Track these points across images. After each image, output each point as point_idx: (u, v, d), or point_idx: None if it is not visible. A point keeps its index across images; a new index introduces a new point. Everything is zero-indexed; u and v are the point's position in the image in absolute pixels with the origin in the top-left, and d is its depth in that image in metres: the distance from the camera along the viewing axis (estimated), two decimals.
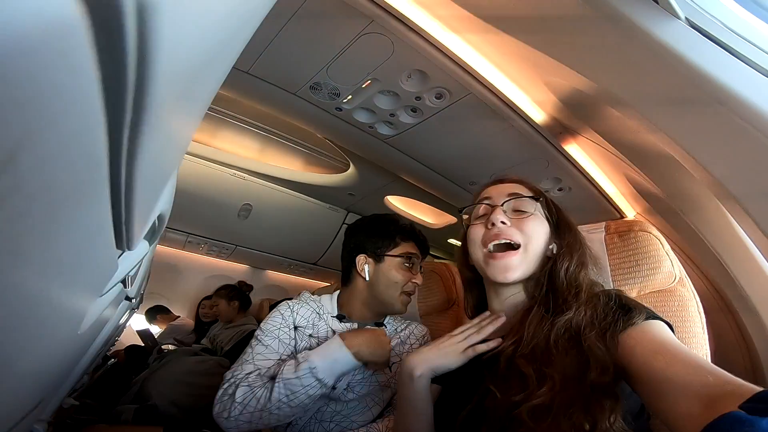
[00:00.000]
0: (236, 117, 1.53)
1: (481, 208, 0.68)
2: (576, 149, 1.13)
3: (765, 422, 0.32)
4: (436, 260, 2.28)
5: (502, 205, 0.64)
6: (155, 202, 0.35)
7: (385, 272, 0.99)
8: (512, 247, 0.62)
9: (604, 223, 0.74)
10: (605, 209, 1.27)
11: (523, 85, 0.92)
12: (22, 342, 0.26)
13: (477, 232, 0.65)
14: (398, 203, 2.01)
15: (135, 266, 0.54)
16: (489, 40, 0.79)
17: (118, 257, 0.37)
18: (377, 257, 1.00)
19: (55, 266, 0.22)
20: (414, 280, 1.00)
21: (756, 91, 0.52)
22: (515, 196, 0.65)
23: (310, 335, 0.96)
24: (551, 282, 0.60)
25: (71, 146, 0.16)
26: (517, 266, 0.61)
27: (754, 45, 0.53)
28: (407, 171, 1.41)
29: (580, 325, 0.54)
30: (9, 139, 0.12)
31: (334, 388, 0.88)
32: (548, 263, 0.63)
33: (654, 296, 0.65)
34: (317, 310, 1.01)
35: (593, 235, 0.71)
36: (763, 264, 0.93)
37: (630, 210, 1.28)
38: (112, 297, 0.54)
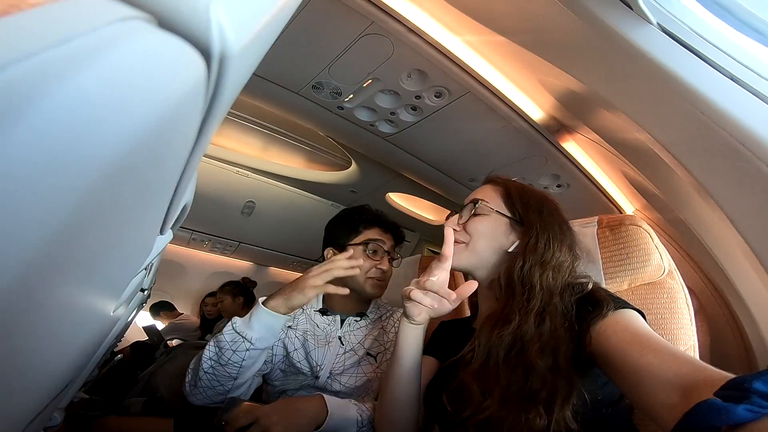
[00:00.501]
0: (240, 115, 1.56)
1: None
2: (573, 146, 1.14)
3: (740, 408, 0.33)
4: (436, 255, 2.28)
5: (455, 215, 0.71)
6: (187, 189, 0.37)
7: None
8: None
9: (596, 217, 0.76)
10: (604, 205, 1.29)
11: (521, 84, 0.94)
12: (68, 328, 0.26)
13: None
14: (399, 200, 2.04)
15: (159, 253, 0.56)
16: (486, 40, 0.81)
17: None
18: (341, 248, 1.01)
19: (115, 247, 0.23)
20: (379, 266, 0.99)
21: (717, 89, 0.55)
22: (461, 208, 0.72)
23: (289, 327, 0.99)
24: (507, 282, 0.62)
25: (172, 149, 0.21)
26: (456, 254, 0.66)
27: (717, 47, 0.56)
28: (408, 168, 1.43)
29: (526, 338, 0.54)
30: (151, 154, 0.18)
31: (317, 377, 0.91)
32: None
33: (644, 289, 0.67)
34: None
35: (586, 229, 0.74)
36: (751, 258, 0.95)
37: (629, 206, 1.30)
38: (138, 282, 0.56)
